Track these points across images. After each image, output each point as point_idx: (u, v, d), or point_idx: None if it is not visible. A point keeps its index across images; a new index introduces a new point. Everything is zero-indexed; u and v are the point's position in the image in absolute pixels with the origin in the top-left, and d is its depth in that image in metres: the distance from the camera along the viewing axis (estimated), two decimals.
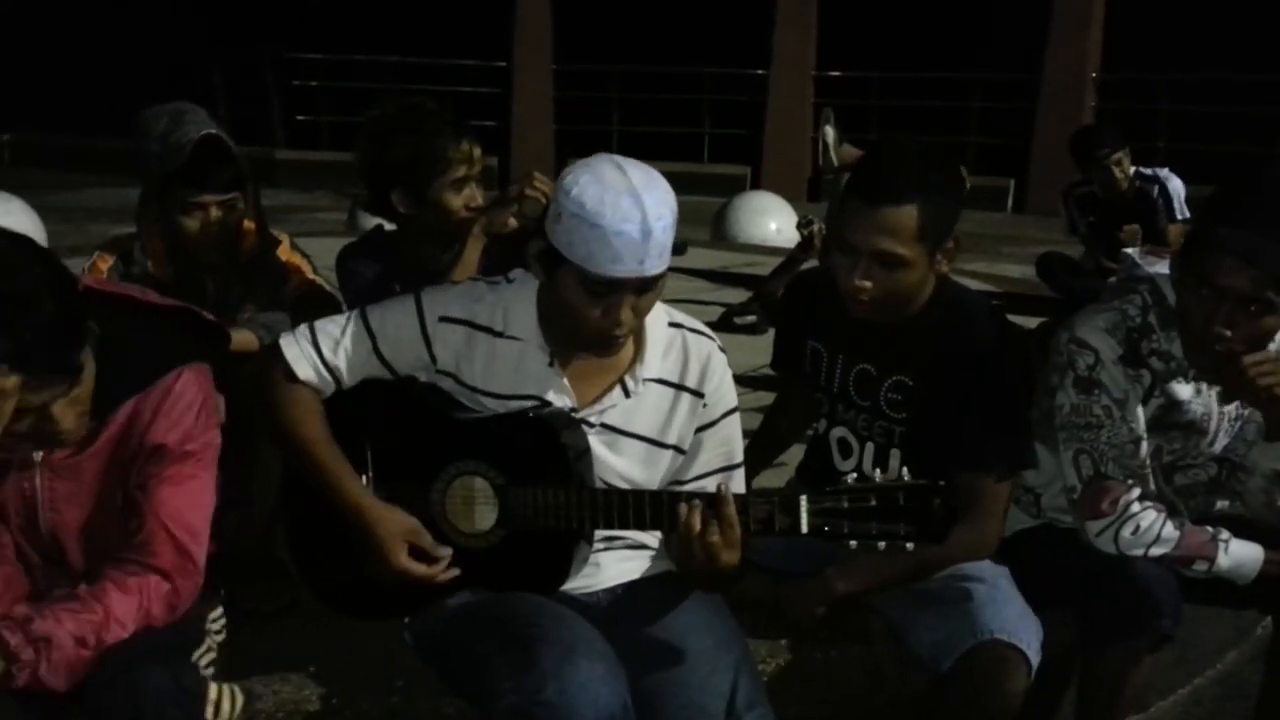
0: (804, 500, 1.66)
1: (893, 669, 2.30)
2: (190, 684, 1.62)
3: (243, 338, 2.31)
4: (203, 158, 2.37)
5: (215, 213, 2.41)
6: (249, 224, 2.52)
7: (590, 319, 1.75)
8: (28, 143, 12.69)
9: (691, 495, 1.75)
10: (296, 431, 1.85)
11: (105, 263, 2.48)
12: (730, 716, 1.75)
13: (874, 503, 1.63)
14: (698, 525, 1.69)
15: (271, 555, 2.33)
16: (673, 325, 1.91)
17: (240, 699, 1.79)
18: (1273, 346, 2.06)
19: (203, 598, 1.79)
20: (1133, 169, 5.40)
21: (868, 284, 1.97)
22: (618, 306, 1.73)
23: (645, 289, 1.74)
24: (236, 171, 2.43)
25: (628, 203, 1.66)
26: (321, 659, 2.15)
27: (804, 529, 1.66)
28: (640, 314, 1.78)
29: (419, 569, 1.82)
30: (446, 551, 1.83)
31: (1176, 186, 5.36)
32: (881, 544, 1.64)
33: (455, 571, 1.84)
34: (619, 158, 1.74)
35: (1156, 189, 5.34)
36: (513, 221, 2.39)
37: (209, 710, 1.71)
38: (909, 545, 1.64)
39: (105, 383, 1.64)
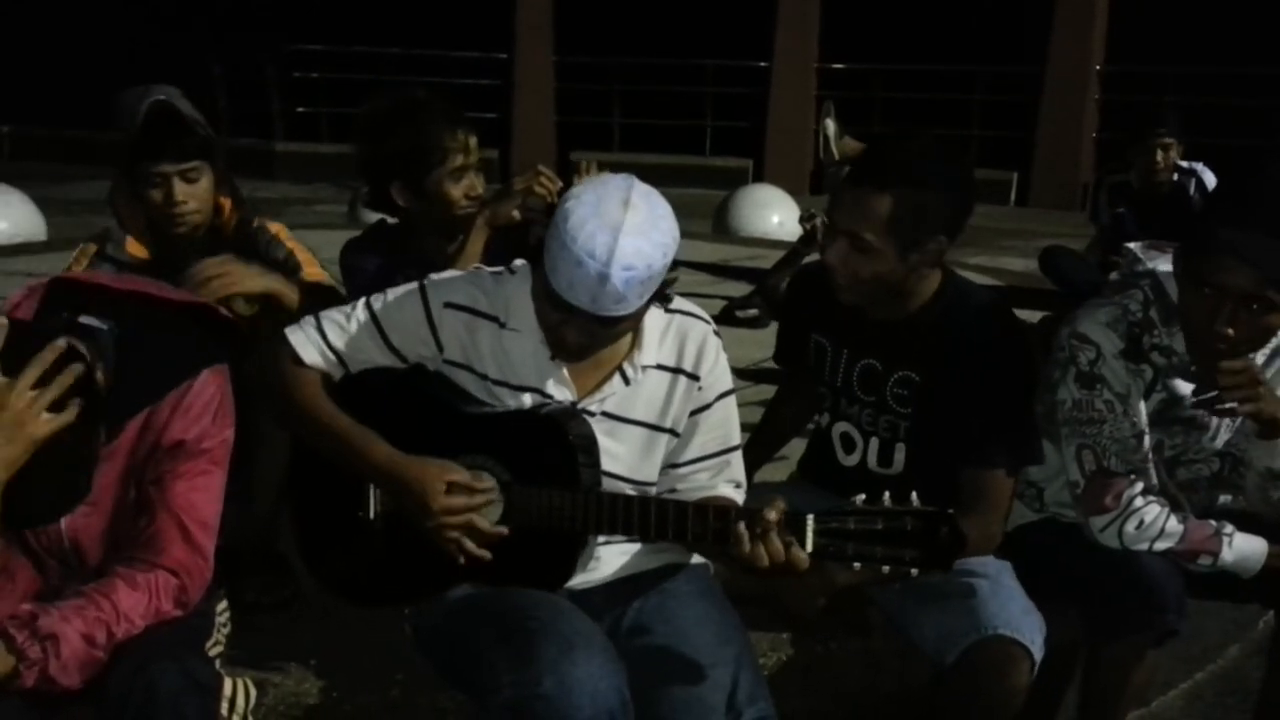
0: (810, 520, 1.64)
1: (893, 662, 2.30)
2: (205, 679, 1.62)
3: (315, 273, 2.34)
4: (156, 127, 2.34)
5: (179, 184, 2.35)
6: (223, 200, 2.50)
7: (546, 322, 1.76)
8: (28, 135, 12.67)
9: (738, 513, 1.69)
10: (311, 409, 1.85)
11: (86, 257, 2.47)
12: (731, 710, 1.74)
13: (880, 526, 1.60)
14: (761, 552, 1.64)
15: (272, 549, 2.33)
16: (668, 310, 1.90)
17: (254, 693, 1.79)
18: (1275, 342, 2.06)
19: (210, 592, 1.79)
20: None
21: (836, 264, 2.00)
22: (567, 325, 1.72)
23: (602, 323, 1.71)
24: (195, 139, 2.38)
25: (603, 239, 1.63)
26: (321, 652, 2.15)
27: (808, 549, 1.64)
28: (597, 343, 1.77)
29: (460, 502, 1.78)
30: (488, 482, 1.80)
31: (1212, 181, 5.19)
32: (885, 568, 1.62)
33: (493, 497, 1.79)
34: (642, 192, 1.69)
35: (1194, 183, 5.14)
36: (516, 214, 2.39)
37: (223, 705, 1.71)
38: (913, 572, 1.61)
39: (123, 386, 1.63)
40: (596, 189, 1.68)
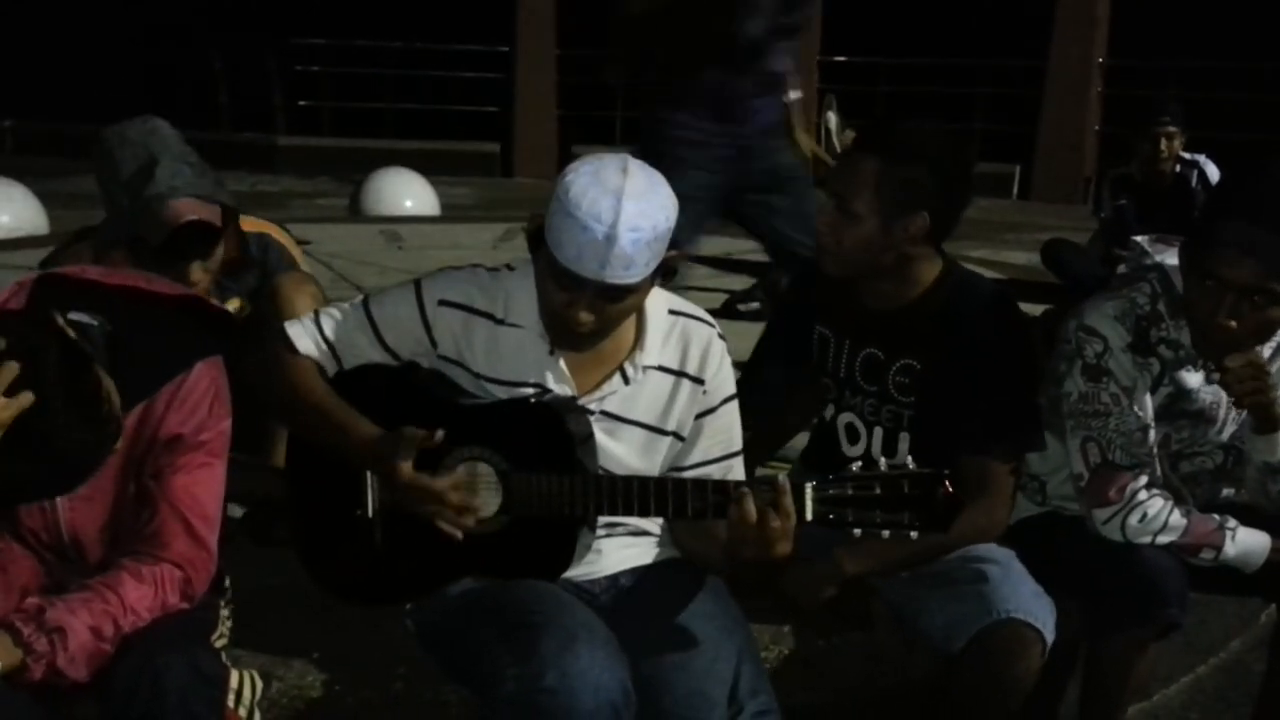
0: (809, 488, 1.65)
1: (895, 655, 2.30)
2: (211, 671, 1.63)
3: None
4: (182, 240, 2.31)
5: (196, 270, 2.36)
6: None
7: (555, 305, 1.75)
8: (30, 129, 12.67)
9: (740, 484, 1.70)
10: (301, 392, 1.85)
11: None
12: (733, 703, 1.75)
13: (879, 491, 1.62)
14: (754, 515, 1.65)
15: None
16: (673, 312, 1.89)
17: (259, 684, 1.80)
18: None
19: (214, 585, 1.80)
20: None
21: (823, 228, 2.05)
22: (577, 304, 1.72)
23: (611, 296, 1.71)
24: (214, 237, 2.36)
25: (606, 203, 1.64)
26: (324, 646, 2.15)
27: (808, 516, 1.65)
28: (607, 320, 1.75)
29: (425, 482, 1.75)
30: (439, 434, 1.75)
31: (1214, 173, 5.16)
32: (886, 533, 1.63)
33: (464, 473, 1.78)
34: (638, 163, 1.71)
35: (1196, 175, 5.10)
36: None
37: (230, 697, 1.71)
38: (913, 534, 1.62)
39: (117, 382, 1.62)
40: (591, 163, 1.70)
